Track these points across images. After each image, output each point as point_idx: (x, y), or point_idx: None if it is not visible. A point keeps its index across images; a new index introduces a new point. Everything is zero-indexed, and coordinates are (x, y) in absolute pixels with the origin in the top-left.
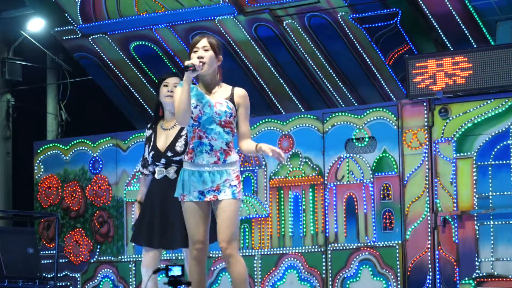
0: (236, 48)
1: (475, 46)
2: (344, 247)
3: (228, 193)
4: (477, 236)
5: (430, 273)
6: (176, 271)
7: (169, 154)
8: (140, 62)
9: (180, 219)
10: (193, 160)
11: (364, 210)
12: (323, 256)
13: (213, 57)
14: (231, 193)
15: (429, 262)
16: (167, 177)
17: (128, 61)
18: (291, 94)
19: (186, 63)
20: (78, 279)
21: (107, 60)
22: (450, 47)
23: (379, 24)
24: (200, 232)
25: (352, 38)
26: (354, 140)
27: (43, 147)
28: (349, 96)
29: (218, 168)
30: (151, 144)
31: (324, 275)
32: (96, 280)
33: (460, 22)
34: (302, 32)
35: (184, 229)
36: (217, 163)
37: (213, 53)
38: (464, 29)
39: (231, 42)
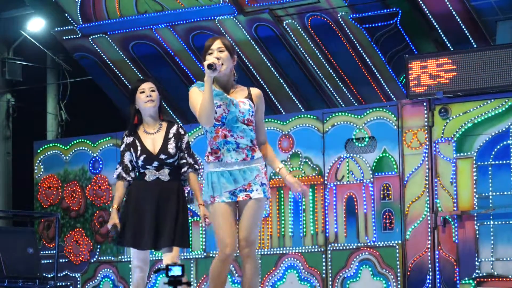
0: (236, 48)
1: (475, 46)
2: (344, 247)
3: (260, 192)
4: (477, 236)
5: (430, 273)
6: (176, 271)
7: (163, 156)
8: (140, 62)
9: (172, 220)
10: (220, 160)
11: (364, 210)
12: (323, 256)
13: (229, 57)
14: (262, 191)
15: (429, 262)
16: (160, 179)
17: (128, 61)
18: (291, 94)
19: (208, 62)
20: (78, 279)
21: (107, 60)
22: (450, 47)
23: (379, 24)
24: (231, 235)
25: (352, 38)
26: (354, 140)
27: (43, 147)
28: (349, 96)
29: (248, 165)
30: (140, 148)
31: (324, 275)
32: (96, 280)
33: (460, 22)
34: (302, 32)
35: (173, 229)
36: (245, 159)
37: (228, 53)
38: (464, 29)
39: (231, 42)
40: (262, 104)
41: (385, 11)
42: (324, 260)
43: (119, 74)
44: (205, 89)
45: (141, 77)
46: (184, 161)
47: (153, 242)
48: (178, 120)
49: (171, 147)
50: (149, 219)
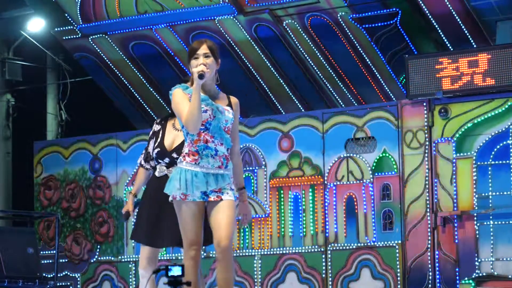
0: (236, 48)
1: (475, 46)
2: (344, 247)
3: (230, 195)
4: (477, 236)
5: (430, 273)
6: (176, 271)
7: (175, 155)
8: (140, 62)
9: (174, 219)
10: (197, 163)
11: (364, 210)
12: (323, 256)
13: (214, 63)
14: (232, 195)
15: (429, 262)
16: (168, 177)
17: (128, 61)
18: (291, 94)
19: (198, 71)
20: (78, 279)
21: (107, 60)
22: (450, 47)
23: (379, 24)
24: (199, 233)
25: (352, 38)
26: (354, 140)
27: (43, 147)
28: (349, 96)
29: (222, 172)
30: (158, 140)
31: (324, 275)
32: (96, 281)
33: (460, 22)
34: (302, 32)
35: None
36: (220, 167)
37: (213, 59)
38: (464, 29)
39: (231, 42)
40: (238, 112)
41: (385, 11)
42: (324, 260)
43: (119, 74)
44: (194, 97)
45: (144, 80)
46: None
47: (161, 240)
48: None
49: None
50: (155, 217)
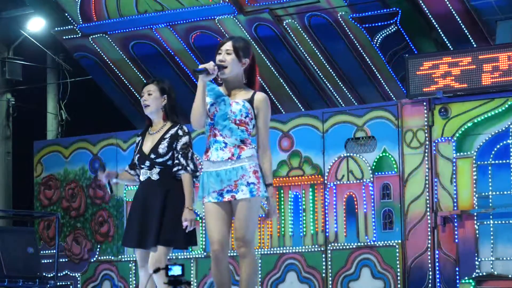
0: None
1: (475, 46)
2: (344, 247)
3: (246, 192)
4: (477, 235)
5: (430, 273)
6: (176, 270)
7: (152, 156)
8: (140, 62)
9: (157, 219)
10: (209, 158)
11: (364, 210)
12: (323, 255)
13: (235, 60)
14: (248, 191)
15: (429, 261)
16: (150, 179)
17: (128, 60)
18: (291, 94)
19: (199, 67)
20: (78, 278)
21: (107, 60)
22: (450, 47)
23: (379, 24)
24: (218, 232)
25: (352, 38)
26: (354, 140)
27: (43, 147)
28: (349, 96)
29: (233, 165)
30: (138, 148)
31: (324, 275)
32: (96, 280)
33: (460, 22)
34: (302, 32)
35: (158, 228)
36: (231, 159)
37: (235, 56)
38: (464, 29)
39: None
40: (264, 108)
41: (385, 11)
42: (324, 259)
43: (119, 74)
44: (197, 94)
45: (144, 79)
46: (177, 161)
47: (137, 241)
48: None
49: (162, 147)
50: (136, 218)
